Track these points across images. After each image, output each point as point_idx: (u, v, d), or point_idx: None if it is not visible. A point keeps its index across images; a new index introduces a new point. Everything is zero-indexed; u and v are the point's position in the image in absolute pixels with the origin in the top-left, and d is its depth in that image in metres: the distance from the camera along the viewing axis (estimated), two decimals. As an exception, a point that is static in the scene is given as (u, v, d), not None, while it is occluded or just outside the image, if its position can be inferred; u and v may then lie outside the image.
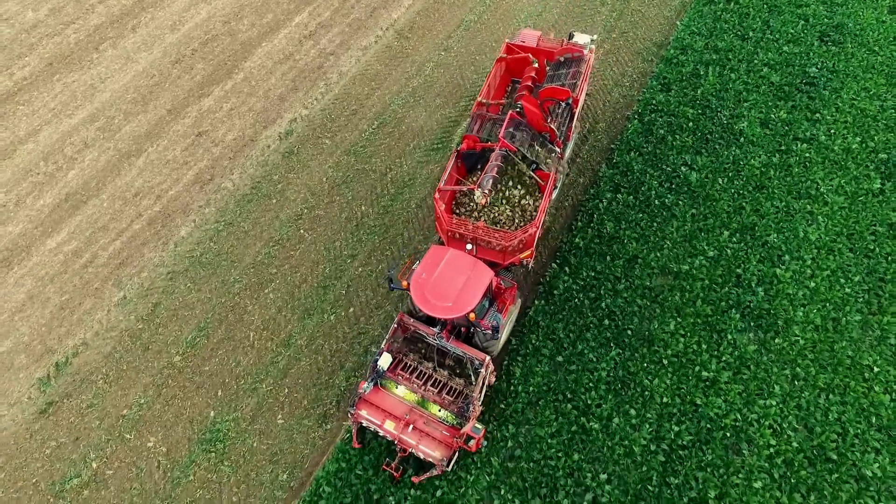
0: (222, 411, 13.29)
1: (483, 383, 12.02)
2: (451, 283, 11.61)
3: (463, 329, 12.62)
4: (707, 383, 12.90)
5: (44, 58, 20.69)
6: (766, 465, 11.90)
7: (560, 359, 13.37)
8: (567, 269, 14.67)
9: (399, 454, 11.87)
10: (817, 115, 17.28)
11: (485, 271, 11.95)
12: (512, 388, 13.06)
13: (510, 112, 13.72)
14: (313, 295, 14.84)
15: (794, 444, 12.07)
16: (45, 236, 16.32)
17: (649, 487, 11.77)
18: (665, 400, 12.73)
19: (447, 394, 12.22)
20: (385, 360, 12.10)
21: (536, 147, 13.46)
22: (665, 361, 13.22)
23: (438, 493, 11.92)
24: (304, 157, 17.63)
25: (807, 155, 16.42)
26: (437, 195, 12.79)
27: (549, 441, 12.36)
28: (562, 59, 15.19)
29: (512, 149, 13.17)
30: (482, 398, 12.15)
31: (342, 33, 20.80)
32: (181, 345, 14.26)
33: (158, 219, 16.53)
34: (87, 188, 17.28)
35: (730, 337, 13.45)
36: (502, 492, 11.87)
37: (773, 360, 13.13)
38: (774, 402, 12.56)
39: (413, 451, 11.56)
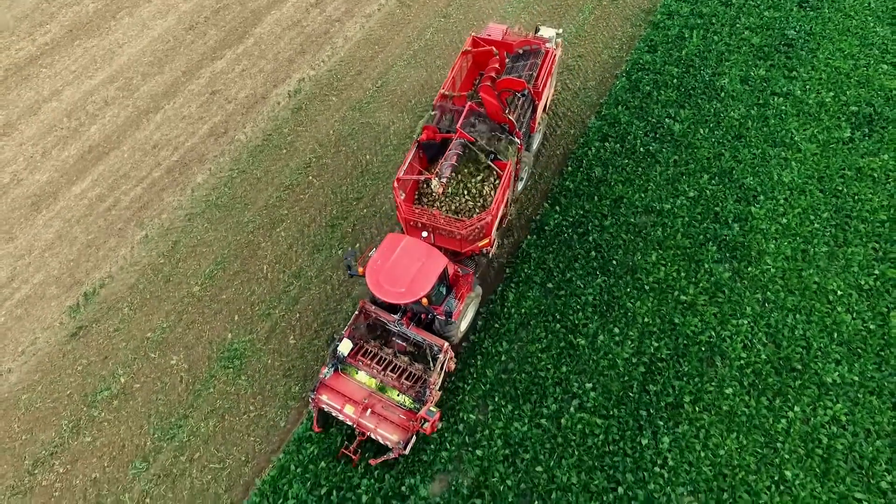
0: (239, 334, 14.43)
1: (441, 368, 12.30)
2: (405, 269, 11.71)
3: (423, 316, 12.88)
4: (685, 305, 14.04)
5: (64, 25, 21.83)
6: (737, 374, 13.05)
7: (550, 285, 14.51)
8: (558, 208, 15.80)
9: (358, 437, 12.27)
10: (794, 72, 18.41)
11: (439, 258, 11.98)
12: (506, 310, 14.20)
13: (469, 103, 13.79)
14: (322, 233, 15.98)
15: (763, 357, 13.21)
16: (71, 184, 17.46)
17: (630, 394, 12.92)
18: (646, 320, 13.87)
19: (406, 379, 12.51)
20: (345, 346, 12.31)
21: (495, 138, 13.59)
22: (647, 287, 14.36)
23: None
24: (312, 112, 18.76)
25: (783, 108, 17.55)
26: (395, 184, 12.84)
27: (539, 355, 13.50)
28: (521, 51, 15.22)
29: (469, 139, 13.32)
30: (440, 383, 12.41)
31: (347, 1, 21.90)
32: (200, 277, 15.41)
33: (176, 167, 17.67)
34: (109, 141, 18.42)
35: (707, 266, 14.59)
36: (496, 398, 13.02)
37: (745, 286, 14.27)
38: (746, 322, 13.70)
39: (371, 434, 11.90)
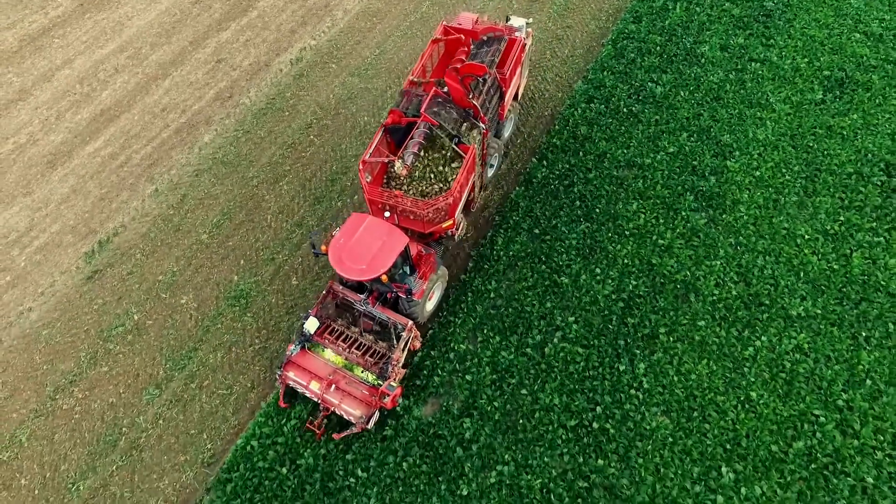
0: (245, 276, 15.38)
1: (405, 346, 12.78)
2: (366, 247, 12.01)
3: (389, 296, 13.28)
4: (662, 248, 14.99)
5: (75, -1, 22.78)
6: (709, 308, 14.01)
7: (537, 231, 15.47)
8: (545, 162, 16.76)
9: (322, 413, 12.69)
10: (771, 41, 19.38)
11: (400, 237, 12.27)
12: (495, 253, 15.16)
13: (434, 89, 14.04)
14: (322, 186, 16.93)
15: (734, 293, 14.18)
16: (84, 143, 18.40)
17: (609, 326, 13.88)
18: (626, 261, 14.82)
19: (370, 356, 12.94)
20: (311, 325, 12.72)
21: (460, 122, 13.92)
22: (627, 233, 15.32)
23: (430, 332, 14.07)
24: (314, 78, 19.72)
25: (760, 72, 18.52)
26: (361, 166, 13.13)
27: (525, 293, 14.46)
28: (485, 38, 15.56)
29: (433, 122, 13.62)
30: (403, 360, 12.90)
31: (346, -23, 22.86)
32: (208, 226, 16.36)
33: (184, 128, 18.62)
34: (120, 105, 19.36)
35: (684, 214, 15.55)
36: (485, 331, 13.98)
37: (719, 232, 15.23)
38: (719, 263, 14.67)
39: (335, 409, 12.37)
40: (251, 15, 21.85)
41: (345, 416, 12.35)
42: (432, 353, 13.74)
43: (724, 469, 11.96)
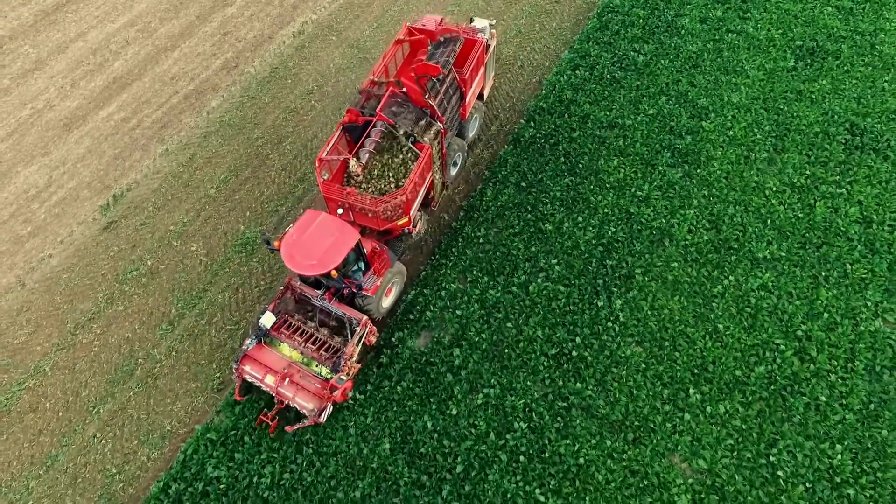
0: (251, 226, 16.46)
1: (359, 340, 12.92)
2: (318, 243, 12.19)
3: (345, 292, 13.46)
4: (640, 199, 16.08)
5: (86, -23, 23.84)
6: (682, 252, 15.10)
7: (524, 184, 16.56)
8: (532, 123, 17.85)
9: (277, 405, 12.87)
10: (748, 14, 20.49)
11: (351, 233, 12.46)
12: (484, 204, 16.25)
13: (391, 88, 14.18)
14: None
15: (705, 238, 15.27)
16: (98, 108, 19.48)
17: (589, 267, 14.97)
18: (606, 211, 15.92)
19: (325, 350, 13.10)
20: (267, 319, 12.93)
21: (417, 122, 14.06)
22: (608, 185, 16.41)
23: (423, 274, 15.16)
24: (315, 49, 20.81)
25: (736, 42, 19.62)
26: (317, 164, 13.40)
27: (512, 238, 15.55)
28: (442, 38, 15.68)
29: (389, 122, 13.89)
30: (357, 355, 13.00)
31: (346, -44, 23.94)
32: (215, 182, 17.44)
33: (193, 95, 19.70)
34: (131, 74, 20.45)
35: (661, 169, 16.64)
36: (474, 272, 15.07)
37: (694, 185, 16.32)
38: (692, 212, 15.76)
39: (289, 402, 12.56)
40: (255, -9, 22.94)
41: (298, 409, 12.59)
42: (425, 291, 14.82)
43: (691, 391, 13.05)
